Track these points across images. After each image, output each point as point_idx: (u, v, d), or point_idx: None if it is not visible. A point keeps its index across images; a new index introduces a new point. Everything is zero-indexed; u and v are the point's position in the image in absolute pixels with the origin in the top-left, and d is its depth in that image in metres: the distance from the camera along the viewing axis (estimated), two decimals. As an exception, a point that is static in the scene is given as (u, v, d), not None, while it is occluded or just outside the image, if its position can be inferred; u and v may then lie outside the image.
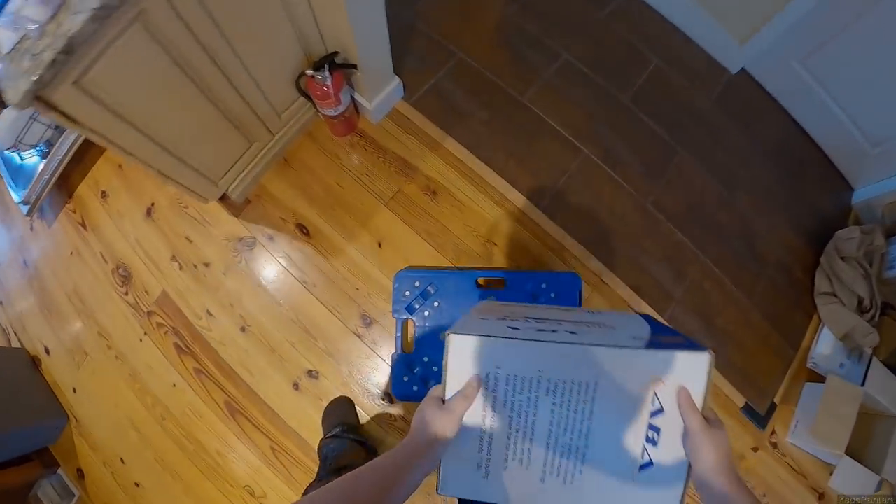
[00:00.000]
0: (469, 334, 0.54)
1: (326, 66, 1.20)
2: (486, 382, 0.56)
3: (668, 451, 0.56)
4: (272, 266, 1.38)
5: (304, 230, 1.37)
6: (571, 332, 0.57)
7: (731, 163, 1.46)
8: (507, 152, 1.42)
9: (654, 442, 0.56)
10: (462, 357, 0.55)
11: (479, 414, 0.56)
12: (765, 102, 1.54)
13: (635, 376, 0.55)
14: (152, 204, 1.55)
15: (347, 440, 1.00)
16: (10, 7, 0.75)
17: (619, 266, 1.32)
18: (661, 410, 0.55)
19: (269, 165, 1.41)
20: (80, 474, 1.61)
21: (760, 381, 1.35)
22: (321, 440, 1.19)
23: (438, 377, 0.69)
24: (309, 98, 1.31)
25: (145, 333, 1.49)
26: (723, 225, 1.40)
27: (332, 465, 0.94)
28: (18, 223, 1.79)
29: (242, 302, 1.39)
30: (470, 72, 1.49)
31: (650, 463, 0.57)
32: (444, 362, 0.55)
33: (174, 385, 1.44)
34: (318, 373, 1.32)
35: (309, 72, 1.21)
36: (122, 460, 1.53)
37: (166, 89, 0.97)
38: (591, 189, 1.39)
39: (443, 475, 0.57)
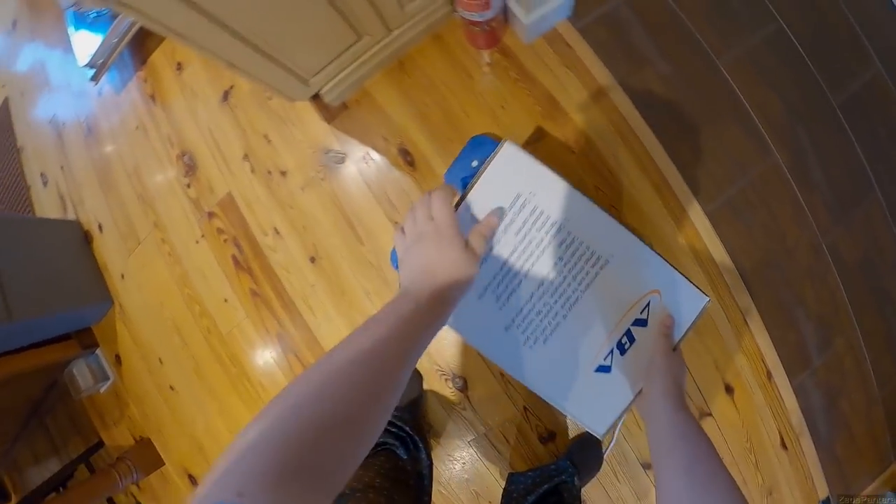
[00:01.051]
0: (524, 152, 0.55)
1: None
2: (513, 203, 0.55)
3: (629, 366, 0.58)
4: (360, 193, 1.16)
5: (407, 157, 1.12)
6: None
7: None
8: (680, 125, 1.09)
9: (622, 349, 0.58)
10: (506, 168, 0.54)
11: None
12: None
13: (642, 277, 0.57)
14: (231, 87, 1.33)
15: (388, 439, 0.83)
16: None
17: (768, 309, 1.04)
18: (644, 323, 0.58)
19: (378, 67, 1.14)
20: (118, 360, 1.56)
21: (852, 479, 1.12)
22: None
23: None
24: (446, -11, 1.01)
25: (203, 236, 1.34)
26: (890, 296, 1.08)
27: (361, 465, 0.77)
28: (88, 86, 1.63)
29: (317, 227, 1.19)
30: (659, 4, 1.13)
31: (608, 368, 0.58)
32: (484, 165, 0.54)
33: (226, 300, 1.30)
34: None
35: None
36: (160, 360, 1.46)
37: None
38: (769, 206, 1.08)
39: None
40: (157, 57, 1.49)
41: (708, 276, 1.05)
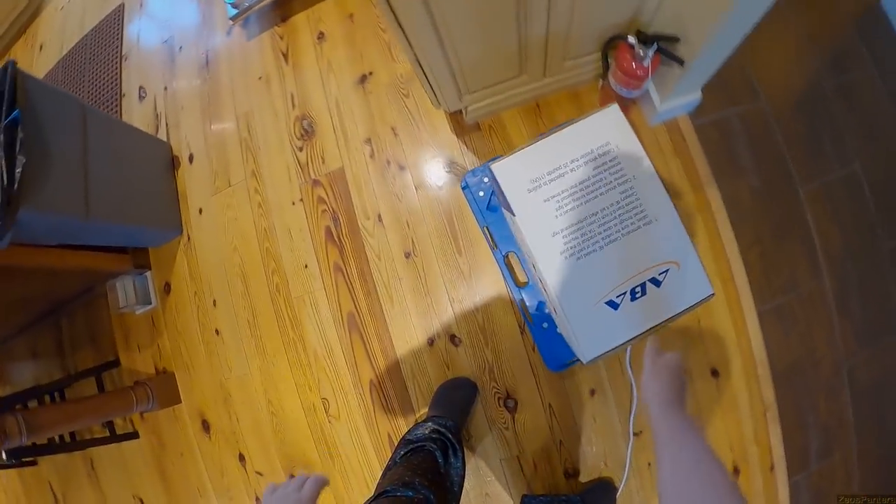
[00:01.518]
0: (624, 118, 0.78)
1: (655, 45, 0.99)
2: (601, 147, 0.76)
3: (634, 313, 0.71)
4: (469, 214, 1.24)
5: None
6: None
7: None
8: (755, 234, 1.20)
9: (634, 296, 0.72)
10: (605, 121, 0.77)
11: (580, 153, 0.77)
12: None
13: (670, 247, 0.73)
14: (370, 73, 1.41)
15: (430, 443, 0.85)
16: None
17: (785, 408, 1.14)
18: (658, 284, 0.72)
19: (520, 102, 1.23)
20: (167, 289, 1.58)
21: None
22: (421, 422, 1.03)
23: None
24: (606, 62, 1.11)
25: (301, 199, 1.40)
26: (888, 426, 1.20)
27: (403, 461, 0.82)
28: (218, 21, 1.70)
29: (421, 226, 1.26)
30: (763, 123, 1.25)
31: (617, 305, 0.72)
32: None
33: (306, 266, 1.35)
34: (461, 342, 1.19)
35: (631, 39, 1.01)
36: (214, 302, 1.49)
37: None
38: (808, 321, 1.19)
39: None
40: (300, 19, 1.57)
41: (744, 366, 1.13)
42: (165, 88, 1.74)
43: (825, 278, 1.20)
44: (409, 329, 1.23)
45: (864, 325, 1.21)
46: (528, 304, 1.13)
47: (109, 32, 1.99)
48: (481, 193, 1.19)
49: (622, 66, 1.06)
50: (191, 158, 1.62)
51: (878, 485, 1.23)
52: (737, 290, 1.14)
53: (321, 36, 1.51)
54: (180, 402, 1.55)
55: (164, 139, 1.68)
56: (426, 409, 1.17)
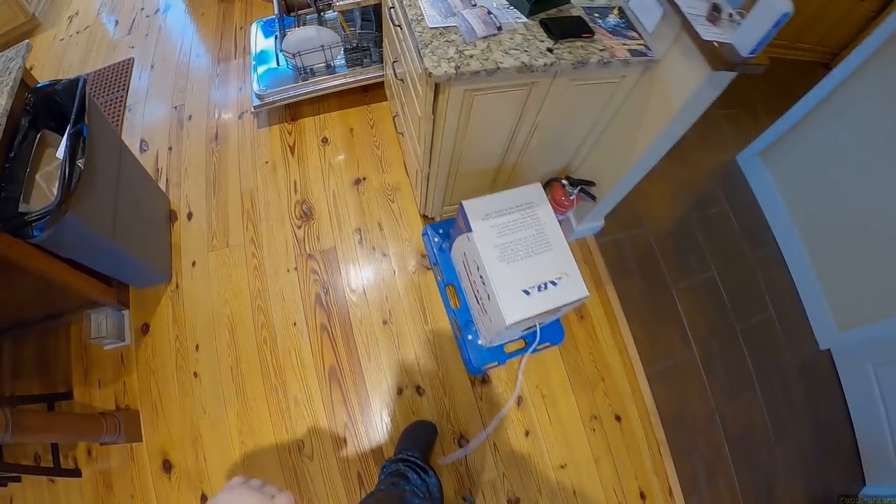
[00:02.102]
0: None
1: (578, 186, 1.58)
2: (529, 203, 1.36)
3: (535, 302, 1.24)
4: (436, 290, 1.69)
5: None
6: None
7: (787, 417, 1.82)
8: (642, 318, 1.80)
9: (540, 290, 1.26)
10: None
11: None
12: (832, 383, 1.93)
13: (563, 264, 1.30)
14: (364, 178, 1.86)
15: (401, 473, 1.12)
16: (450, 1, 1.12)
17: (674, 445, 1.66)
18: (556, 284, 1.27)
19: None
20: (145, 329, 1.76)
21: None
22: (391, 458, 1.33)
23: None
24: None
25: (296, 268, 1.74)
26: (759, 460, 1.75)
27: (384, 486, 1.13)
28: (232, 104, 2.06)
29: (397, 302, 1.67)
30: (646, 243, 1.91)
31: (529, 293, 1.26)
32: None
33: (294, 324, 1.67)
34: (424, 392, 1.59)
35: (564, 181, 1.59)
36: (196, 347, 1.71)
37: (493, 132, 1.34)
38: (684, 380, 1.76)
39: None
40: (308, 122, 1.99)
41: (639, 414, 1.65)
42: (170, 148, 2.02)
43: (694, 350, 1.79)
44: (383, 381, 1.59)
45: (727, 384, 1.78)
46: (458, 321, 1.59)
47: (114, 79, 2.21)
48: (436, 240, 1.69)
49: (555, 197, 1.62)
50: (189, 216, 1.89)
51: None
52: (630, 358, 1.68)
53: (325, 140, 1.95)
54: (142, 440, 1.63)
55: (164, 192, 1.93)
56: (393, 449, 1.52)
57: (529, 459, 1.53)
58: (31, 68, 2.32)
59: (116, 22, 2.47)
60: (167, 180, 1.95)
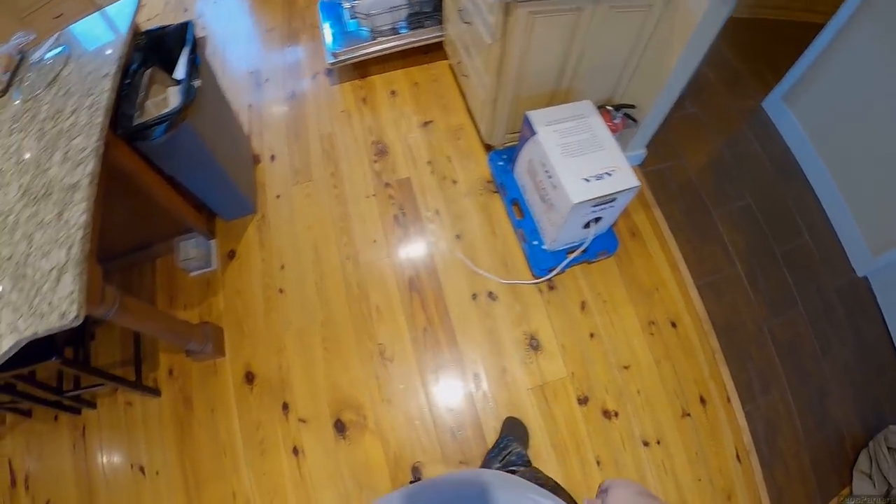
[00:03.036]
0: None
1: (622, 111, 1.84)
2: (582, 114, 1.66)
3: (599, 186, 1.50)
4: (502, 208, 1.94)
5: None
6: None
7: (832, 335, 1.93)
8: (687, 237, 2.01)
9: (598, 179, 1.50)
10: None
11: None
12: (871, 309, 2.07)
13: (614, 160, 1.57)
14: (431, 121, 2.14)
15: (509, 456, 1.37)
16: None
17: (729, 353, 1.78)
18: (611, 175, 1.52)
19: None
20: (231, 255, 1.99)
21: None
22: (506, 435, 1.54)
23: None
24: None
25: (374, 195, 1.99)
26: (810, 373, 1.85)
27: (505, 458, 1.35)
28: (304, 67, 2.37)
29: (466, 221, 1.89)
30: (685, 173, 2.16)
31: (588, 181, 1.50)
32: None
33: (374, 241, 1.90)
34: (497, 297, 1.80)
35: (609, 107, 1.85)
36: (282, 266, 1.93)
37: (549, 55, 1.61)
38: (732, 293, 1.93)
39: None
40: (376, 79, 2.30)
41: (692, 321, 1.82)
42: (250, 106, 2.31)
43: (738, 267, 1.97)
44: (458, 289, 1.80)
45: (771, 299, 1.95)
46: (524, 230, 1.81)
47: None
48: (500, 164, 1.92)
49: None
50: (272, 158, 2.16)
51: (813, 423, 1.74)
52: (680, 272, 1.88)
53: (393, 93, 2.24)
54: (224, 355, 1.78)
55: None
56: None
57: (595, 360, 1.72)
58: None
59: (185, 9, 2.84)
60: (250, 131, 2.23)
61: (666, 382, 1.69)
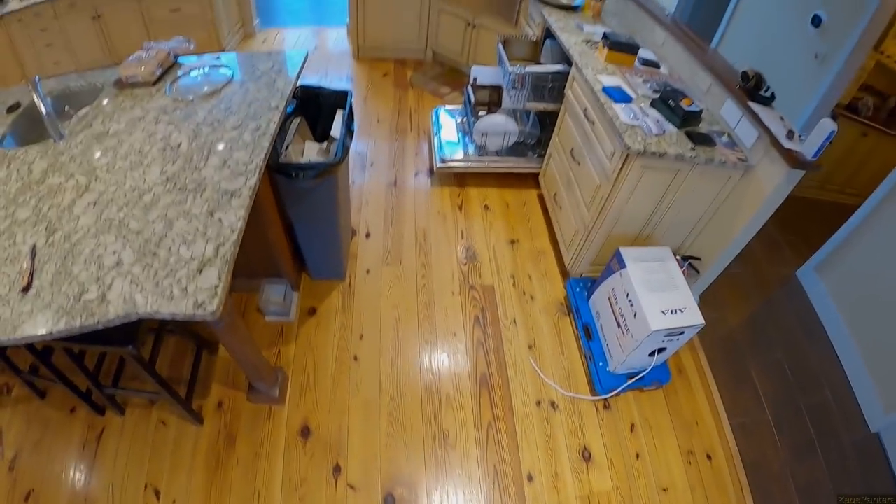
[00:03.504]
0: None
1: (688, 261, 2.20)
2: None
3: (675, 320, 1.77)
4: (569, 330, 2.20)
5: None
6: None
7: (845, 485, 1.98)
8: (724, 380, 2.16)
9: (673, 313, 1.79)
10: None
11: None
12: (882, 464, 2.10)
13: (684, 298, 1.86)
14: (517, 240, 2.48)
15: None
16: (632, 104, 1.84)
17: (755, 489, 1.88)
18: (682, 312, 1.81)
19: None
20: (311, 311, 2.15)
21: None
22: None
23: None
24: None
25: (458, 293, 2.24)
26: None
27: None
28: (408, 163, 2.75)
29: (540, 332, 2.14)
30: (727, 325, 2.45)
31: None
32: None
33: (454, 334, 2.11)
34: (558, 406, 1.99)
35: (678, 256, 2.22)
36: (361, 336, 2.10)
37: (646, 202, 1.95)
38: (758, 434, 2.05)
39: None
40: (473, 191, 2.68)
41: (725, 456, 1.93)
42: (353, 182, 2.64)
43: (767, 412, 2.21)
44: (525, 393, 1.99)
45: (793, 445, 2.09)
46: (593, 351, 2.01)
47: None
48: (577, 290, 2.17)
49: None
50: (367, 235, 2.43)
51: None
52: (717, 410, 2.07)
53: (487, 207, 2.61)
54: (284, 403, 1.85)
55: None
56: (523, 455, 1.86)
57: (638, 479, 1.86)
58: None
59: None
60: (351, 205, 2.53)
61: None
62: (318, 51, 4.01)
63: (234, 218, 1.22)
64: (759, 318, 2.61)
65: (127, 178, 1.35)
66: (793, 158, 1.60)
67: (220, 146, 1.47)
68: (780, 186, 1.71)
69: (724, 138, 1.88)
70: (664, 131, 1.83)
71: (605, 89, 2.01)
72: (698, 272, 2.15)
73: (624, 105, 1.92)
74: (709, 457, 1.94)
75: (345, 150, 1.79)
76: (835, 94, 2.67)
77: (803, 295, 2.82)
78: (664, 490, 1.83)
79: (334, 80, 3.53)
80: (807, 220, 3.18)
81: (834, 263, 2.67)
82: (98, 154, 1.44)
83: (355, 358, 2.01)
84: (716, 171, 1.83)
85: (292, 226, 2.01)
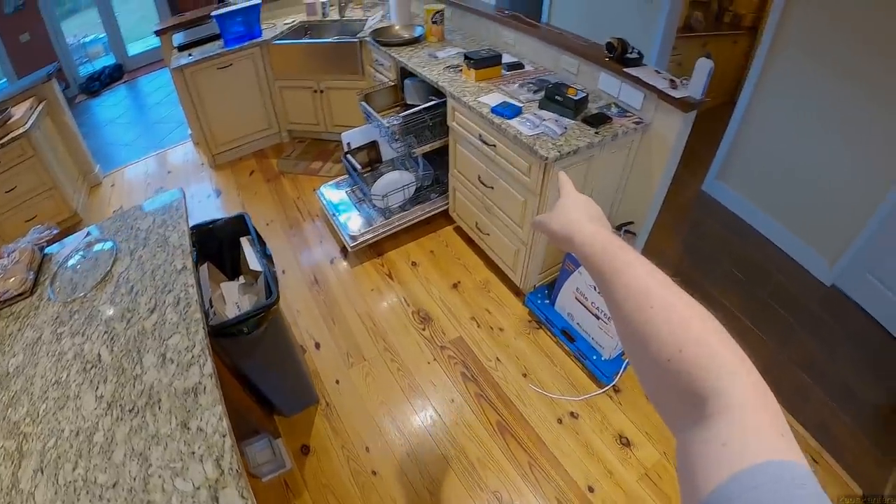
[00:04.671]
0: None
1: (623, 229, 2.53)
2: None
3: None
4: (548, 341, 2.40)
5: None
6: None
7: (832, 341, 2.50)
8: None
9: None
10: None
11: None
12: (850, 306, 2.67)
13: None
14: (459, 282, 2.62)
15: None
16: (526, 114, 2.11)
17: None
18: None
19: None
20: (305, 450, 2.10)
21: None
22: None
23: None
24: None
25: (435, 360, 2.32)
26: (826, 373, 2.35)
27: None
28: (318, 257, 2.76)
29: (527, 359, 2.31)
30: (671, 264, 2.86)
31: None
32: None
33: (452, 401, 2.20)
34: (578, 415, 2.17)
35: (614, 229, 2.55)
36: (367, 448, 2.09)
37: None
38: (740, 342, 2.55)
39: None
40: (393, 255, 2.77)
41: None
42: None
43: (744, 321, 2.60)
44: (543, 417, 2.14)
45: (776, 334, 2.53)
46: (581, 349, 2.22)
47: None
48: (538, 301, 2.36)
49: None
50: (317, 346, 2.40)
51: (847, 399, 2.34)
52: None
53: (414, 264, 2.72)
54: None
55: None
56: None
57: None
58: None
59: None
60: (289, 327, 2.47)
61: None
62: (172, 175, 3.77)
63: (215, 419, 1.09)
64: (693, 244, 3.05)
65: (61, 421, 1.15)
66: (684, 104, 1.90)
67: (148, 340, 1.31)
68: (680, 132, 2.01)
69: (614, 109, 2.17)
70: (566, 128, 2.05)
71: (493, 110, 2.15)
72: (635, 234, 2.47)
73: (519, 118, 2.11)
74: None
75: (275, 281, 1.76)
76: (673, 24, 3.21)
77: (717, 204, 3.36)
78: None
79: (201, 199, 3.35)
80: (693, 137, 3.77)
81: (730, 166, 3.22)
82: (8, 404, 1.22)
83: (374, 473, 1.99)
84: (620, 142, 2.10)
85: (247, 377, 1.92)
